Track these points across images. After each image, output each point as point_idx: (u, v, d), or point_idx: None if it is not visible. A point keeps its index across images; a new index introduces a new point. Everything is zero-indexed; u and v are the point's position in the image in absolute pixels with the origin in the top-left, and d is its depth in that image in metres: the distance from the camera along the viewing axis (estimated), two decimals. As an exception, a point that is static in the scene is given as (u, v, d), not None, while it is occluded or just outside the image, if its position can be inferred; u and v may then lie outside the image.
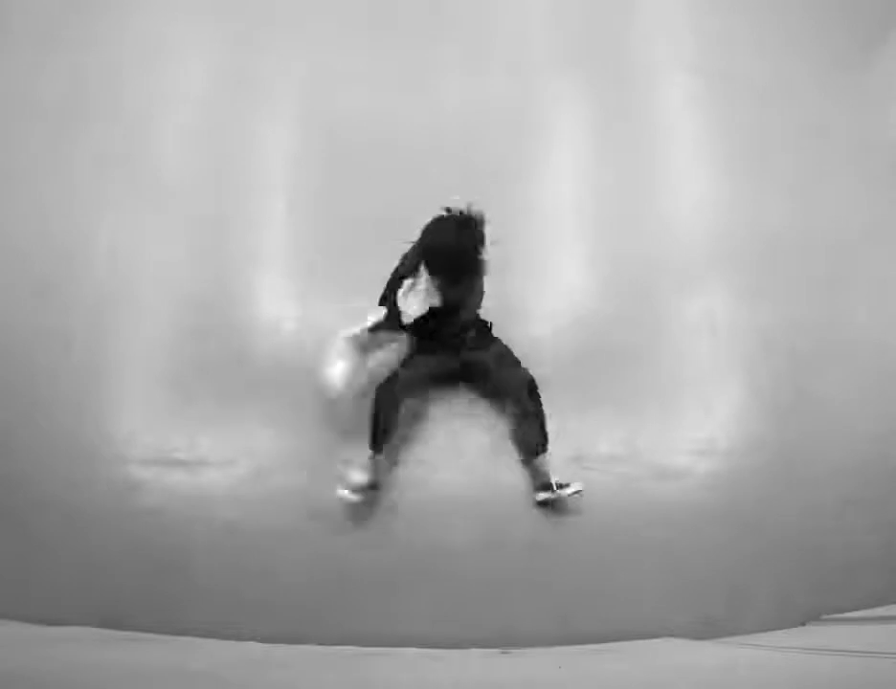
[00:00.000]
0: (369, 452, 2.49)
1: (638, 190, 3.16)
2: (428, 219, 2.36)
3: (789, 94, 3.39)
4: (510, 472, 2.64)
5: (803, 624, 2.45)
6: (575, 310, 2.90)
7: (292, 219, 3.08)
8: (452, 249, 2.30)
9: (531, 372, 2.63)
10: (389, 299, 2.48)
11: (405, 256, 2.52)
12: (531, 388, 2.60)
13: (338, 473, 2.51)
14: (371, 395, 2.52)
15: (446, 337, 2.57)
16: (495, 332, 2.68)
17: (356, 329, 2.43)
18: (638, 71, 3.43)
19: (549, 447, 2.57)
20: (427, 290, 2.41)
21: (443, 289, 2.40)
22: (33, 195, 3.08)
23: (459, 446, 2.67)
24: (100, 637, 2.28)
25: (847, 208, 3.14)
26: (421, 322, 2.44)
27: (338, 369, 2.41)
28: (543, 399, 2.62)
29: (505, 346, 2.64)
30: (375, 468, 2.50)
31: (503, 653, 2.30)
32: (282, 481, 2.61)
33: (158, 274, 2.94)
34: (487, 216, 2.29)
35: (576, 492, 2.50)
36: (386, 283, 2.54)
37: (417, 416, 2.70)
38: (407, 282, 2.44)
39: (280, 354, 2.81)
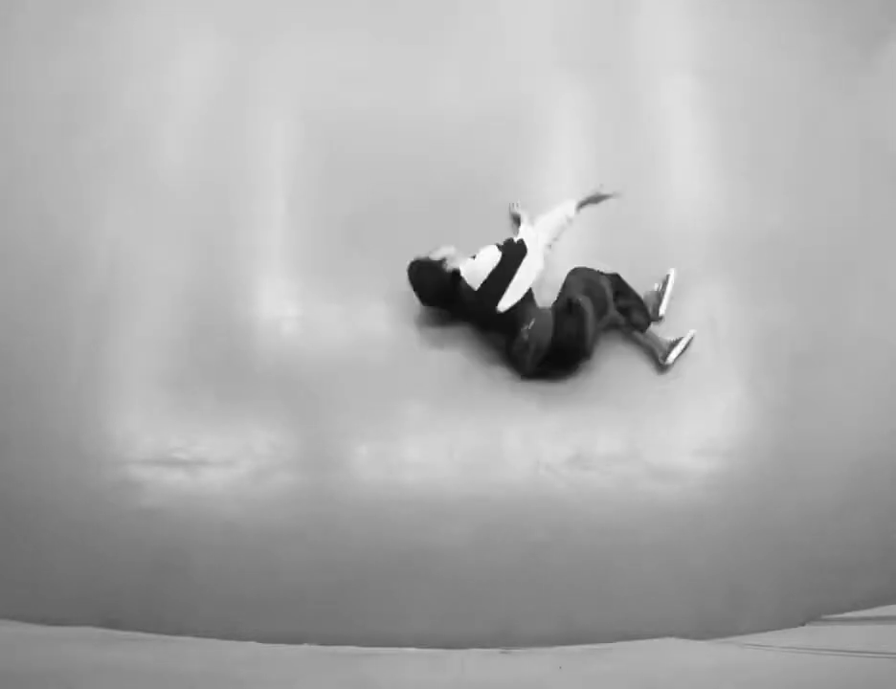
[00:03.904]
0: None
1: (637, 190, 3.15)
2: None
3: (789, 94, 3.40)
4: (510, 471, 2.64)
5: (803, 624, 2.45)
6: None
7: (292, 219, 3.08)
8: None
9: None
10: None
11: None
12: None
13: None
14: None
15: None
16: None
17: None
18: (638, 71, 3.43)
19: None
20: None
21: None
22: (33, 196, 3.08)
23: (458, 446, 2.68)
24: (100, 637, 2.28)
25: (847, 207, 3.14)
26: None
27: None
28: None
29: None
30: None
31: (503, 653, 2.30)
32: (282, 481, 2.61)
33: (158, 274, 2.94)
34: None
35: (691, 339, 2.81)
36: None
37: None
38: None
39: (280, 354, 2.81)
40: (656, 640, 2.37)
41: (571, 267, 2.80)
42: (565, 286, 2.76)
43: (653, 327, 2.82)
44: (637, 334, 2.84)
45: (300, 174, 3.18)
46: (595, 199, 2.73)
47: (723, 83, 3.39)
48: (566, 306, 2.68)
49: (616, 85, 3.40)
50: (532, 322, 2.64)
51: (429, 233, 2.91)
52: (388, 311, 2.87)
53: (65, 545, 2.50)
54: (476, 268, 2.67)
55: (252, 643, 2.31)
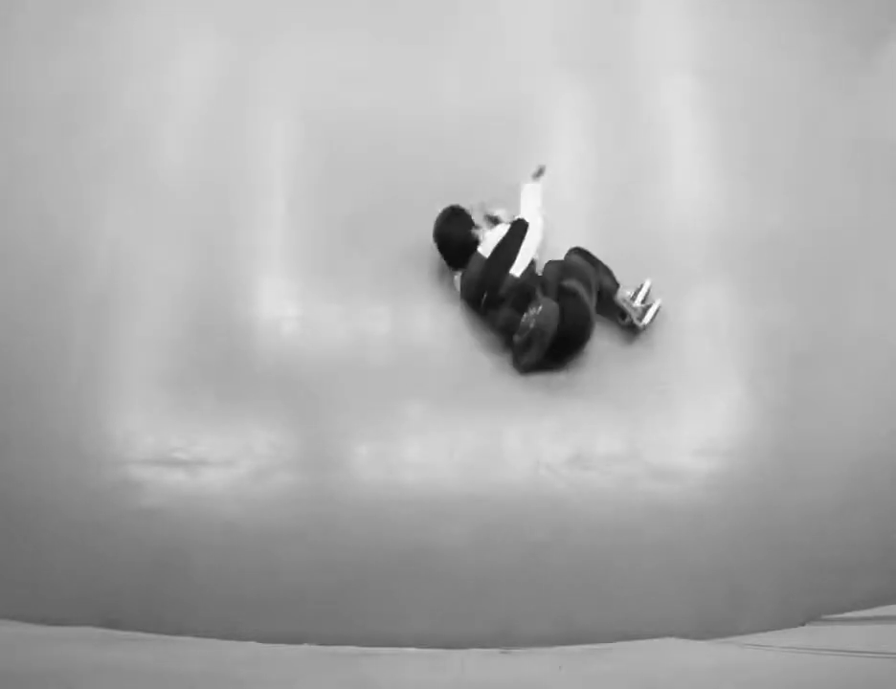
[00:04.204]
0: None
1: (637, 190, 3.16)
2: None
3: (789, 94, 3.39)
4: (510, 471, 2.64)
5: (803, 624, 2.45)
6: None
7: (292, 219, 3.08)
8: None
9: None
10: None
11: None
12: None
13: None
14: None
15: None
16: None
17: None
18: (638, 71, 3.43)
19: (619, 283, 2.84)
20: None
21: None
22: (33, 195, 3.08)
23: (458, 446, 2.68)
24: (100, 637, 2.28)
25: (847, 207, 3.14)
26: None
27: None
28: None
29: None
30: None
31: (503, 653, 2.31)
32: (282, 481, 2.61)
33: (158, 274, 2.94)
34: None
35: (657, 309, 2.85)
36: None
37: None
38: None
39: (280, 354, 2.81)
40: (656, 640, 2.37)
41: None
42: (545, 275, 2.81)
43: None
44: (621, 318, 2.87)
45: (300, 174, 3.18)
46: (538, 173, 2.88)
47: (723, 83, 3.39)
48: (561, 292, 2.73)
49: (616, 85, 3.39)
50: (539, 308, 2.66)
51: (429, 233, 2.91)
52: (388, 311, 2.87)
53: (65, 545, 2.50)
54: (488, 240, 2.78)
55: (252, 643, 2.31)
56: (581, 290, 2.72)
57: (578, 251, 2.86)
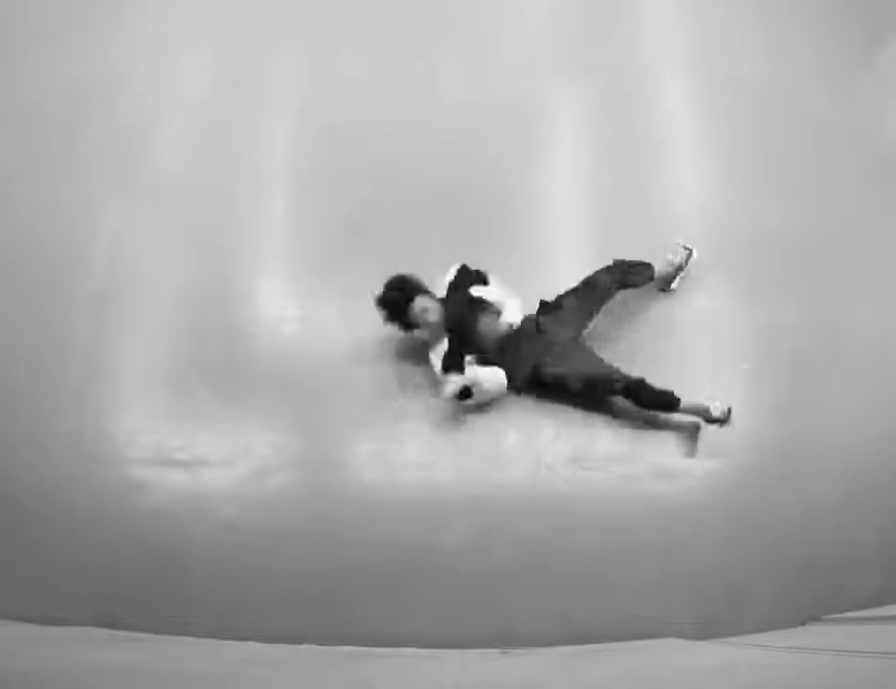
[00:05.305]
0: None
1: (637, 190, 3.16)
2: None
3: (788, 94, 3.39)
4: (510, 471, 2.64)
5: (803, 624, 2.44)
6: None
7: (292, 219, 3.08)
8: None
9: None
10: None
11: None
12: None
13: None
14: None
15: None
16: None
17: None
18: (638, 71, 3.43)
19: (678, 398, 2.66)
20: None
21: None
22: (33, 195, 3.08)
23: (458, 446, 2.68)
24: (100, 637, 2.28)
25: (847, 207, 3.14)
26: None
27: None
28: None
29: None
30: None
31: (502, 653, 2.30)
32: (282, 481, 2.61)
33: (158, 274, 2.95)
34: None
35: (727, 413, 2.68)
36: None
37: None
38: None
39: (280, 354, 2.81)
40: (656, 640, 2.37)
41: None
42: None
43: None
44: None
45: (300, 175, 3.18)
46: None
47: (723, 83, 3.39)
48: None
49: (616, 85, 3.39)
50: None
51: (429, 233, 2.91)
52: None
53: (66, 546, 2.51)
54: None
55: (252, 643, 2.31)
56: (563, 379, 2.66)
57: (613, 269, 2.80)
